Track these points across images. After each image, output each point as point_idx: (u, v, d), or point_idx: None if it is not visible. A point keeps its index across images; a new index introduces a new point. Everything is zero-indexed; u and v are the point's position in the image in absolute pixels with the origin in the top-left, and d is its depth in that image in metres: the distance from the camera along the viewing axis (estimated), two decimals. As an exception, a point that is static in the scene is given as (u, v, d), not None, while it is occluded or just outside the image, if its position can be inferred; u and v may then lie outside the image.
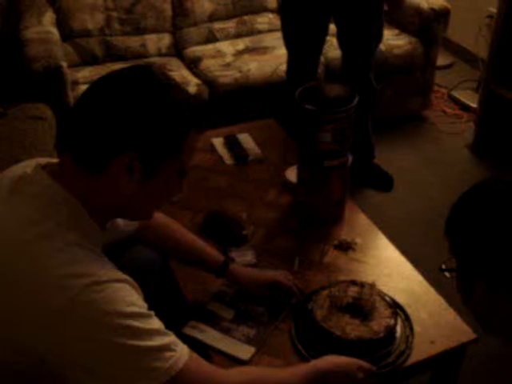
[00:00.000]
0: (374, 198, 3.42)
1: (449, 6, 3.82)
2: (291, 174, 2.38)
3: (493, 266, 1.11)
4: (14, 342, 1.21)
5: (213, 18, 3.91)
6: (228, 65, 3.61)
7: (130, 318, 1.21)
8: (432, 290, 1.97)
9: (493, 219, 1.10)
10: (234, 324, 1.84)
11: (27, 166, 1.34)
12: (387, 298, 1.85)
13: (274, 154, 2.63)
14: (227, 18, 3.95)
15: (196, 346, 1.65)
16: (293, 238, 2.20)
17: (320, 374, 1.53)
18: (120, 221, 1.67)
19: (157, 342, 1.24)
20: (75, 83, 3.33)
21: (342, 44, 3.18)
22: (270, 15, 4.02)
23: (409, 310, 1.86)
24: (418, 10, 3.82)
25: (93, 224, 1.31)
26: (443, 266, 1.26)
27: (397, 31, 3.93)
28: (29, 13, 3.47)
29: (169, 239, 1.87)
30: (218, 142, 2.70)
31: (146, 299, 1.30)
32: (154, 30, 3.80)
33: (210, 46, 3.83)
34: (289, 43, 3.20)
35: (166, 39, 3.83)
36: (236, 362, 1.72)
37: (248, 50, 3.77)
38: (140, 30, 3.77)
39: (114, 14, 3.70)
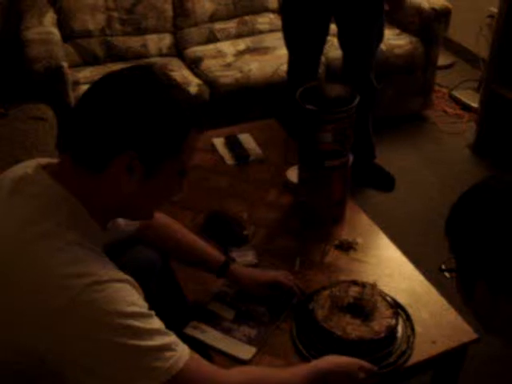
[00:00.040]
0: (374, 197, 3.42)
1: (450, 5, 3.82)
2: (292, 174, 2.38)
3: (493, 266, 1.10)
4: (14, 343, 1.21)
5: (213, 18, 3.91)
6: (229, 65, 3.61)
7: (131, 317, 1.21)
8: (433, 290, 1.97)
9: (493, 219, 1.10)
10: (235, 324, 1.84)
11: (28, 167, 1.34)
12: (388, 298, 1.85)
13: (274, 154, 2.63)
14: (228, 18, 3.94)
15: (197, 346, 1.65)
16: (294, 238, 2.20)
17: (321, 374, 1.53)
18: (121, 220, 1.67)
19: (157, 341, 1.23)
20: (76, 83, 3.33)
21: (343, 44, 3.18)
22: (271, 15, 4.02)
23: (410, 310, 1.86)
24: (418, 10, 3.81)
25: (93, 224, 1.32)
26: (443, 267, 1.26)
27: (398, 31, 3.93)
28: (30, 13, 3.48)
29: (170, 239, 1.87)
30: (219, 142, 2.70)
31: (147, 299, 1.30)
32: (155, 31, 3.80)
33: (210, 46, 3.83)
34: (290, 43, 3.20)
35: (166, 39, 3.83)
36: (237, 362, 1.72)
37: (249, 50, 3.76)
38: (141, 31, 3.77)
39: (115, 14, 3.70)
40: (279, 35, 3.40)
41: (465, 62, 4.74)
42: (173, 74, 3.41)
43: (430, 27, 3.81)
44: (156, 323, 1.27)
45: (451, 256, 1.20)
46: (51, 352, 1.19)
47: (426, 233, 3.07)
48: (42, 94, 3.08)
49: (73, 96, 3.13)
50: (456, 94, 4.37)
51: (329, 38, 3.20)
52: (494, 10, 3.84)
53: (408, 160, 3.74)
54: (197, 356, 1.33)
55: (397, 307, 1.83)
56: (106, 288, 1.20)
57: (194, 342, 1.70)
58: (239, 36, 3.93)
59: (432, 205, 3.32)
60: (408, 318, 1.84)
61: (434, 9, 3.77)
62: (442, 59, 4.36)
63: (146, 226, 1.80)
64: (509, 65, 3.56)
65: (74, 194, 1.28)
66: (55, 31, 3.41)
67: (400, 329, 1.79)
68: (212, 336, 1.80)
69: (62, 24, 3.57)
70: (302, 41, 3.12)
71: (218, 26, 3.92)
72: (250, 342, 1.78)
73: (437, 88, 4.27)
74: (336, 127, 2.07)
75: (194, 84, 3.47)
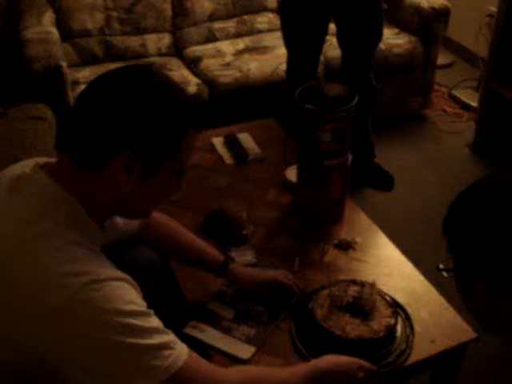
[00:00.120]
0: (374, 197, 3.42)
1: (449, 4, 3.82)
2: (291, 174, 2.38)
3: (492, 265, 1.10)
4: (13, 342, 1.21)
5: (213, 17, 3.91)
6: (228, 64, 3.61)
7: (129, 316, 1.21)
8: (432, 290, 1.97)
9: (491, 218, 1.10)
10: (235, 323, 1.84)
11: (26, 166, 1.34)
12: (387, 298, 1.85)
13: (273, 153, 2.63)
14: (227, 17, 3.94)
15: (196, 345, 1.65)
16: (293, 237, 2.20)
17: (320, 373, 1.53)
18: (119, 220, 1.67)
19: (156, 340, 1.23)
20: (75, 83, 3.33)
21: (342, 43, 3.18)
22: (270, 15, 4.02)
23: (409, 310, 1.86)
24: (418, 9, 3.81)
25: (91, 223, 1.31)
26: (441, 266, 1.26)
27: (397, 30, 3.93)
28: (28, 13, 3.47)
29: (169, 239, 1.87)
30: (218, 142, 2.70)
31: (146, 299, 1.30)
32: (154, 30, 3.80)
33: (209, 46, 3.83)
34: (289, 43, 3.20)
35: (165, 39, 3.83)
36: (236, 361, 1.72)
37: (248, 50, 3.76)
38: (140, 30, 3.77)
39: (114, 13, 3.70)
40: (278, 35, 3.40)
41: (464, 62, 4.74)
42: (172, 73, 3.42)
43: (429, 26, 3.81)
44: (154, 322, 1.27)
45: (449, 255, 1.20)
46: (50, 352, 1.19)
47: (425, 232, 3.07)
48: (41, 93, 3.07)
49: (72, 96, 3.13)
50: (455, 93, 4.37)
51: (328, 37, 3.20)
52: (494, 9, 3.85)
53: (407, 159, 3.74)
54: (195, 355, 1.33)
55: (396, 306, 1.83)
56: (104, 287, 1.20)
57: (193, 342, 1.70)
58: (238, 35, 3.93)
59: (431, 204, 3.32)
60: (407, 318, 1.84)
61: (433, 8, 3.77)
62: (442, 58, 4.36)
63: (146, 225, 1.80)
64: (508, 64, 3.56)
65: (73, 194, 1.28)
66: (54, 31, 3.41)
67: (399, 328, 1.79)
68: (211, 335, 1.80)
69: (60, 23, 3.57)
70: (301, 40, 3.12)
71: (217, 25, 3.92)
72: (249, 341, 1.78)
73: (436, 87, 4.26)
74: (335, 127, 2.07)
75: (193, 83, 3.47)
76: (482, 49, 4.28)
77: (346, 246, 2.14)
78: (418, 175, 3.61)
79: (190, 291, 1.96)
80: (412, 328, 1.81)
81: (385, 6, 3.09)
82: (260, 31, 3.97)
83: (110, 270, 1.26)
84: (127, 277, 1.28)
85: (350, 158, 2.21)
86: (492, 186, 1.14)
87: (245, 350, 1.75)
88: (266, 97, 3.54)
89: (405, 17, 3.88)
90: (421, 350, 1.76)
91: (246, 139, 2.71)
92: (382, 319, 1.77)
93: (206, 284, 1.95)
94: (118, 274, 1.27)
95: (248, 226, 2.20)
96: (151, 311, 1.28)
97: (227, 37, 3.92)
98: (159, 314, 1.30)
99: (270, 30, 3.95)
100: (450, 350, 1.80)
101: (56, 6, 3.59)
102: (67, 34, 3.59)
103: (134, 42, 3.74)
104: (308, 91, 2.14)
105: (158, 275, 1.89)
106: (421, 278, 2.02)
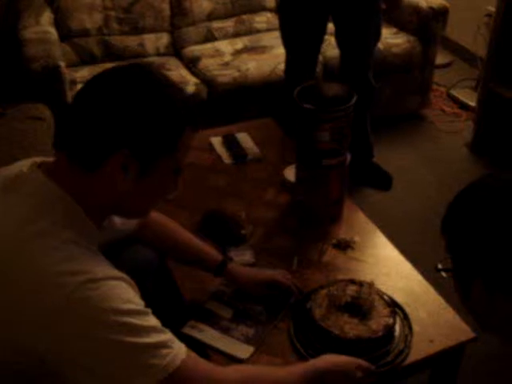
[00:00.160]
0: (372, 196, 3.42)
1: (447, 4, 3.82)
2: (290, 173, 2.38)
3: (490, 265, 1.10)
4: (13, 342, 1.21)
5: (211, 17, 3.91)
6: (226, 64, 3.61)
7: (127, 315, 1.21)
8: (431, 289, 1.97)
9: (490, 217, 1.10)
10: (233, 323, 1.84)
11: (23, 165, 1.34)
12: (386, 297, 1.85)
13: (272, 153, 2.63)
14: (226, 17, 3.94)
15: (195, 345, 1.65)
16: (291, 237, 2.20)
17: (318, 373, 1.53)
18: (117, 219, 1.67)
19: (154, 339, 1.23)
20: (74, 83, 3.32)
21: (341, 43, 3.18)
22: (269, 14, 4.02)
23: (407, 309, 1.86)
24: (416, 9, 3.81)
25: (89, 222, 1.31)
26: (439, 266, 1.26)
27: (395, 30, 3.93)
28: (27, 13, 3.47)
29: (167, 238, 1.87)
30: (217, 141, 2.70)
31: (144, 299, 1.30)
32: (153, 30, 3.80)
33: (208, 46, 3.83)
34: (287, 42, 3.20)
35: (164, 39, 3.83)
36: (235, 361, 1.72)
37: (246, 50, 3.76)
38: (138, 30, 3.76)
39: (112, 13, 3.69)
40: (277, 34, 3.39)
41: (462, 61, 4.74)
42: (170, 73, 3.41)
43: (427, 26, 3.81)
44: (152, 321, 1.27)
45: (448, 255, 1.20)
46: (50, 352, 1.19)
47: (424, 232, 3.07)
48: (40, 93, 3.07)
49: (70, 95, 3.13)
50: (454, 92, 4.37)
51: (326, 36, 3.20)
52: (492, 8, 3.85)
53: (406, 159, 3.74)
54: (193, 354, 1.33)
55: (394, 306, 1.83)
56: (101, 286, 1.20)
57: (191, 341, 1.70)
58: (237, 35, 3.93)
59: (430, 204, 3.32)
60: (405, 317, 1.84)
61: (431, 8, 3.77)
62: (440, 58, 4.37)
63: (143, 225, 1.80)
64: (506, 64, 3.57)
65: (69, 193, 1.28)
66: (52, 30, 3.41)
67: (397, 328, 1.79)
68: (210, 335, 1.80)
69: (59, 23, 3.56)
70: (300, 40, 3.12)
71: (215, 25, 3.92)
72: (247, 341, 1.78)
73: (435, 87, 4.26)
74: (333, 126, 2.07)
75: (191, 83, 3.47)
76: (480, 48, 4.28)
77: (345, 246, 2.14)
78: (417, 175, 3.62)
79: (187, 291, 1.96)
80: (410, 328, 1.80)
81: (383, 6, 3.10)
82: (258, 31, 3.97)
83: (107, 269, 1.26)
84: (125, 276, 1.28)
85: (348, 157, 2.21)
86: (490, 185, 1.14)
87: (243, 350, 1.75)
88: (265, 96, 3.53)
89: (403, 16, 3.88)
90: (419, 350, 1.76)
91: (245, 139, 2.71)
92: (380, 319, 1.77)
93: (204, 283, 1.95)
94: (116, 272, 1.27)
95: (246, 226, 2.20)
96: (149, 310, 1.28)
97: (226, 36, 3.91)
98: (157, 314, 1.30)
99: (268, 30, 3.95)
100: (449, 349, 1.80)
101: (54, 6, 3.58)
102: (66, 33, 3.59)
103: (132, 41, 3.74)
104: (306, 91, 2.14)
105: (156, 275, 1.89)
106: (419, 277, 2.02)
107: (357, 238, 2.17)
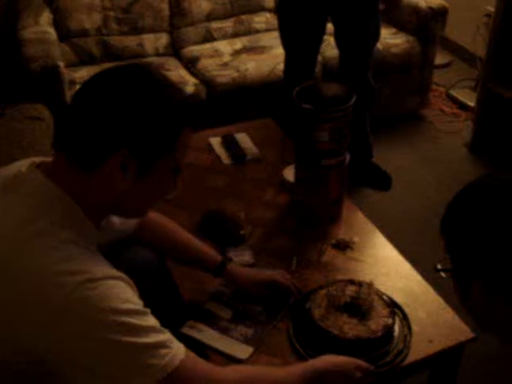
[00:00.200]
0: (371, 197, 3.42)
1: (447, 4, 3.82)
2: (289, 174, 2.38)
3: (489, 265, 1.10)
4: (13, 342, 1.21)
5: (210, 17, 3.91)
6: (225, 64, 3.61)
7: (126, 314, 1.21)
8: (430, 289, 1.97)
9: (489, 217, 1.10)
10: (232, 324, 1.84)
11: (22, 165, 1.34)
12: (385, 297, 1.85)
13: (271, 153, 2.63)
14: (225, 17, 3.94)
15: (194, 345, 1.64)
16: (290, 237, 2.20)
17: (317, 373, 1.53)
18: (116, 219, 1.67)
19: (153, 338, 1.23)
20: (73, 83, 3.32)
21: (340, 43, 3.18)
22: (268, 14, 4.02)
23: (407, 309, 1.86)
24: (415, 9, 3.82)
25: (87, 222, 1.31)
26: (438, 266, 1.26)
27: (394, 30, 3.93)
28: (26, 13, 3.47)
29: (166, 239, 1.87)
30: (216, 142, 2.69)
31: (144, 299, 1.30)
32: (152, 30, 3.80)
33: (207, 46, 3.83)
34: (286, 42, 3.20)
35: (163, 39, 3.83)
36: (234, 361, 1.72)
37: (245, 50, 3.76)
38: (137, 30, 3.76)
39: (112, 13, 3.69)
40: (276, 34, 3.39)
41: (462, 61, 4.75)
42: (169, 73, 3.41)
43: (426, 26, 3.81)
44: (151, 320, 1.27)
45: (447, 256, 1.20)
46: (50, 352, 1.19)
47: (423, 232, 3.07)
48: (39, 93, 3.07)
49: (69, 96, 3.12)
50: (453, 92, 4.37)
51: (325, 37, 3.20)
52: (491, 8, 3.84)
53: (405, 159, 3.74)
54: (192, 354, 1.33)
55: (393, 306, 1.83)
56: (100, 285, 1.20)
57: (190, 342, 1.70)
58: (236, 35, 3.93)
59: (429, 204, 3.32)
60: (405, 317, 1.83)
61: (430, 8, 3.77)
62: (439, 58, 4.37)
63: (143, 225, 1.80)
64: (506, 64, 3.57)
65: (68, 193, 1.28)
66: (51, 31, 3.41)
67: (397, 328, 1.79)
68: (209, 335, 1.80)
69: (58, 23, 3.56)
70: (299, 40, 3.12)
71: (214, 25, 3.92)
72: (246, 341, 1.78)
73: (434, 87, 4.26)
74: (332, 126, 2.07)
75: (190, 83, 3.47)
76: (479, 48, 4.27)
77: (344, 246, 2.14)
78: (416, 175, 3.62)
79: (187, 291, 1.96)
80: (410, 328, 1.80)
81: (382, 6, 3.09)
82: (257, 31, 3.97)
83: (106, 269, 1.26)
84: (123, 275, 1.28)
85: (347, 157, 2.21)
86: (489, 185, 1.14)
87: (242, 350, 1.75)
88: (264, 97, 3.53)
89: (402, 17, 3.88)
90: (418, 350, 1.76)
91: (244, 139, 2.71)
92: (379, 319, 1.77)
93: (204, 284, 1.95)
94: (114, 272, 1.27)
95: (246, 226, 2.19)
96: (148, 310, 1.28)
97: (225, 37, 3.91)
98: (156, 314, 1.30)
99: (267, 30, 3.95)
100: (448, 349, 1.80)
101: (53, 6, 3.58)
102: (65, 33, 3.58)
103: (131, 41, 3.74)
104: (306, 91, 2.14)
105: (155, 275, 1.89)
106: (418, 277, 2.02)
107: (356, 238, 2.17)
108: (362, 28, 3.05)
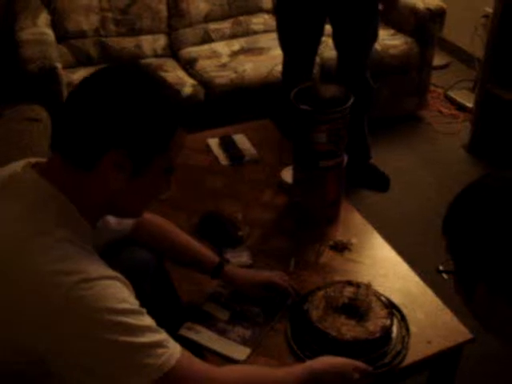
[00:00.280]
0: (369, 198, 3.42)
1: (445, 5, 3.82)
2: (287, 175, 2.38)
3: (492, 267, 1.09)
4: (13, 342, 1.21)
5: (208, 18, 3.91)
6: (224, 65, 3.61)
7: (122, 314, 1.21)
8: (428, 291, 1.97)
9: (490, 218, 1.09)
10: (230, 325, 1.83)
11: (17, 166, 1.35)
12: (383, 299, 1.85)
13: (269, 154, 2.63)
14: (223, 18, 3.94)
15: (191, 346, 1.64)
16: (288, 238, 2.19)
17: (315, 374, 1.53)
18: (111, 219, 1.67)
19: (149, 338, 1.23)
20: (70, 84, 3.31)
21: (338, 44, 3.18)
22: (266, 16, 4.02)
23: (405, 311, 1.86)
24: (413, 10, 3.82)
25: (83, 221, 1.32)
26: (441, 268, 1.25)
27: (392, 31, 3.93)
28: (24, 14, 3.47)
29: (164, 240, 1.87)
30: (214, 143, 2.69)
31: (141, 300, 1.30)
32: (150, 31, 3.80)
33: (205, 47, 3.83)
34: (284, 44, 3.20)
35: (161, 40, 3.83)
36: (231, 362, 1.71)
37: (243, 51, 3.76)
38: (135, 31, 3.76)
39: (109, 14, 3.69)
40: (274, 36, 3.39)
41: (460, 62, 4.75)
42: (167, 74, 3.41)
43: (425, 27, 3.81)
44: (147, 320, 1.27)
45: (449, 257, 1.19)
46: (50, 352, 1.20)
47: (421, 233, 3.07)
48: (37, 94, 3.07)
49: (67, 97, 3.12)
50: (451, 94, 4.37)
51: (323, 38, 3.20)
52: (489, 10, 3.85)
53: (403, 160, 3.74)
54: (189, 354, 1.33)
55: (391, 307, 1.83)
56: (95, 285, 1.20)
57: (188, 343, 1.70)
58: (234, 36, 3.93)
59: (427, 205, 3.32)
60: (403, 318, 1.83)
61: (428, 9, 3.77)
62: (437, 59, 4.37)
63: (140, 226, 1.80)
64: (504, 65, 3.57)
65: (63, 192, 1.28)
66: (49, 32, 3.40)
67: (395, 329, 1.78)
68: (206, 337, 1.79)
69: (56, 25, 3.56)
70: (297, 41, 3.12)
71: (212, 26, 3.91)
72: (244, 342, 1.77)
73: (432, 88, 4.27)
74: (330, 128, 2.07)
75: (188, 84, 3.46)
76: (477, 50, 4.28)
77: (342, 247, 2.14)
78: (414, 176, 3.62)
79: (185, 292, 1.95)
80: (408, 329, 1.80)
81: (380, 7, 3.09)
82: (255, 32, 3.97)
83: (101, 269, 1.26)
84: (119, 275, 1.28)
85: (345, 159, 2.21)
86: (490, 185, 1.13)
87: (240, 352, 1.75)
88: (262, 98, 3.53)
89: (401, 18, 3.88)
90: (417, 351, 1.76)
91: (242, 140, 2.70)
92: (377, 320, 1.76)
93: (202, 285, 1.95)
94: (110, 272, 1.27)
95: (243, 227, 2.19)
96: (144, 310, 1.28)
97: (223, 38, 3.91)
98: (154, 315, 1.30)
99: (265, 31, 3.95)
100: (446, 350, 1.79)
101: (51, 7, 3.58)
102: (62, 35, 3.58)
103: (129, 43, 3.74)
104: (303, 92, 2.14)
105: (153, 276, 1.89)
106: (416, 278, 2.02)
107: (354, 240, 2.17)
108: (361, 29, 3.05)
